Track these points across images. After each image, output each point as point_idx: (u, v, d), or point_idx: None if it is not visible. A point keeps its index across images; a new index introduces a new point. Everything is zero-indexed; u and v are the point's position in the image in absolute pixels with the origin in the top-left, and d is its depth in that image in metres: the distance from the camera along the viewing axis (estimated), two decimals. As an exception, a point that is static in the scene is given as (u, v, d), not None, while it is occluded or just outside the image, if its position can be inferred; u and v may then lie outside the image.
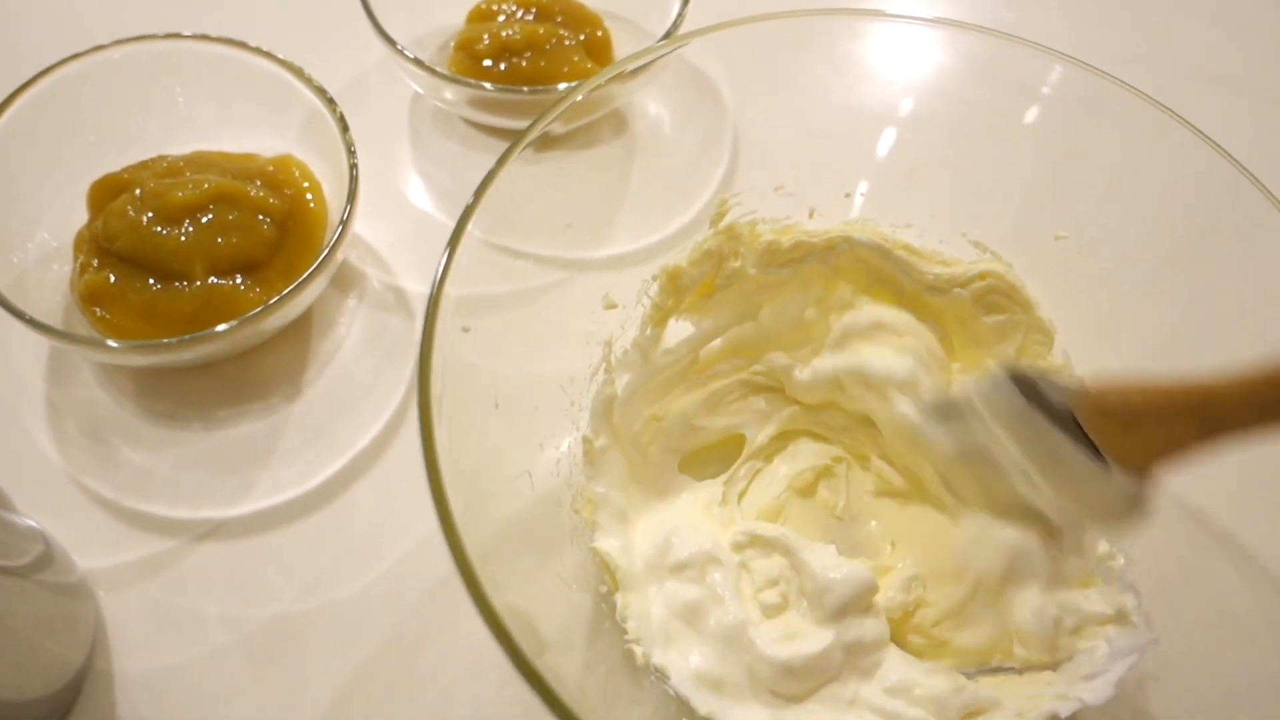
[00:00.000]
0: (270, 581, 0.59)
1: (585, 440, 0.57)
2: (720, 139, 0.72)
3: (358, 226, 0.68)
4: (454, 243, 0.46)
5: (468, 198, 0.48)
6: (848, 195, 0.61)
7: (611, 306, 0.58)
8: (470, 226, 0.47)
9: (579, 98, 0.54)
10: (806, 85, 0.62)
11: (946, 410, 0.52)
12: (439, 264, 0.45)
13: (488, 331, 0.49)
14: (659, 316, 0.59)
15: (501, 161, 0.49)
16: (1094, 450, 0.42)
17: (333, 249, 0.62)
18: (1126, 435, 0.40)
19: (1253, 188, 0.50)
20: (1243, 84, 0.88)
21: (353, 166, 0.65)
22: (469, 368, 0.47)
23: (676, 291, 0.59)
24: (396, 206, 0.76)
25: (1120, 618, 0.51)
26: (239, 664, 0.56)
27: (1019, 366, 0.48)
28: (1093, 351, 0.58)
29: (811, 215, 0.60)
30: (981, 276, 0.58)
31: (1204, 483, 0.47)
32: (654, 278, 0.58)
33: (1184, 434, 0.38)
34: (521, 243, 0.60)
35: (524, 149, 0.50)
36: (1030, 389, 0.45)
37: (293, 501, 0.62)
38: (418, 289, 0.71)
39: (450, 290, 0.44)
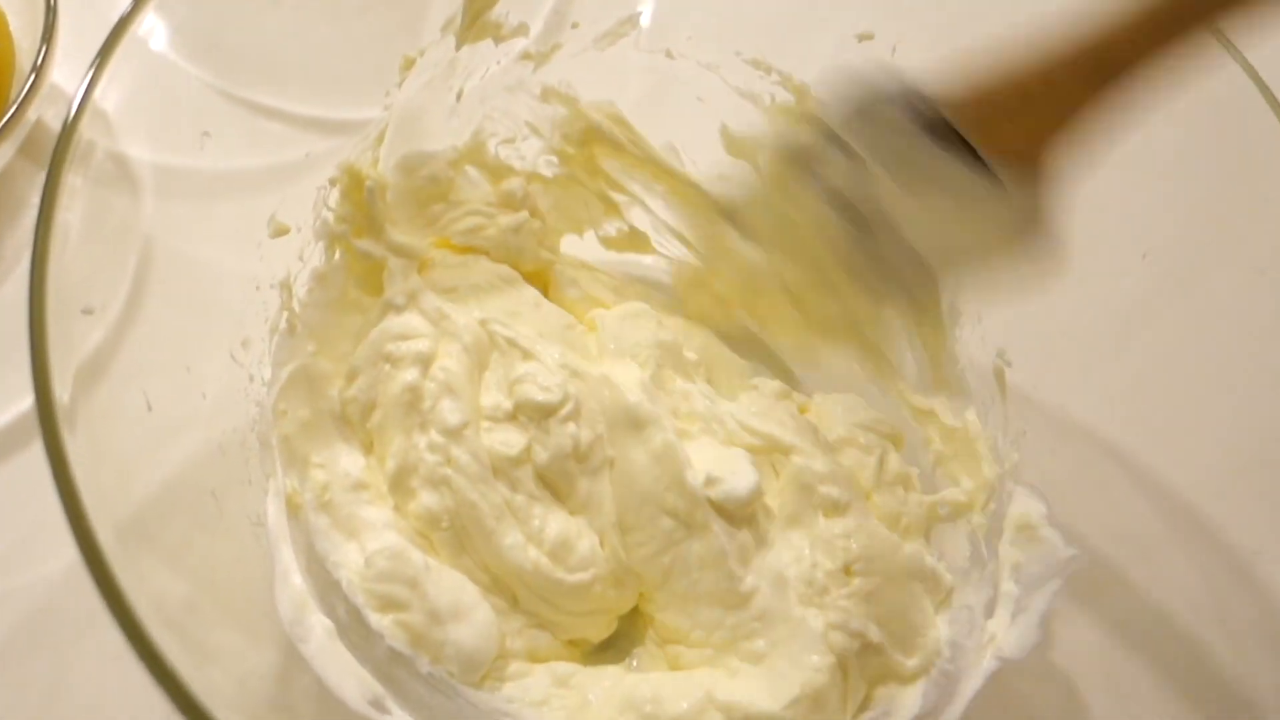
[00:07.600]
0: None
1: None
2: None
3: (57, 74, 0.59)
4: (102, 57, 0.38)
5: (214, 33, 0.42)
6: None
7: (282, 232, 0.48)
8: (181, 61, 0.37)
9: None
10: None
11: (798, 156, 0.46)
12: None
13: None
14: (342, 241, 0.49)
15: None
16: (979, 165, 0.39)
17: (21, 105, 0.56)
18: (1014, 121, 0.37)
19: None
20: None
21: (49, -7, 0.60)
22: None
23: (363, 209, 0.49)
24: (111, 47, 0.64)
25: (1027, 532, 0.44)
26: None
27: (872, 77, 0.42)
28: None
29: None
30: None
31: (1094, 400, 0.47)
32: (331, 181, 0.49)
33: (1078, 92, 0.36)
34: (273, 96, 0.52)
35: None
36: (892, 103, 0.41)
37: (-38, 454, 0.55)
38: (146, 157, 0.59)
39: (139, 154, 0.35)
